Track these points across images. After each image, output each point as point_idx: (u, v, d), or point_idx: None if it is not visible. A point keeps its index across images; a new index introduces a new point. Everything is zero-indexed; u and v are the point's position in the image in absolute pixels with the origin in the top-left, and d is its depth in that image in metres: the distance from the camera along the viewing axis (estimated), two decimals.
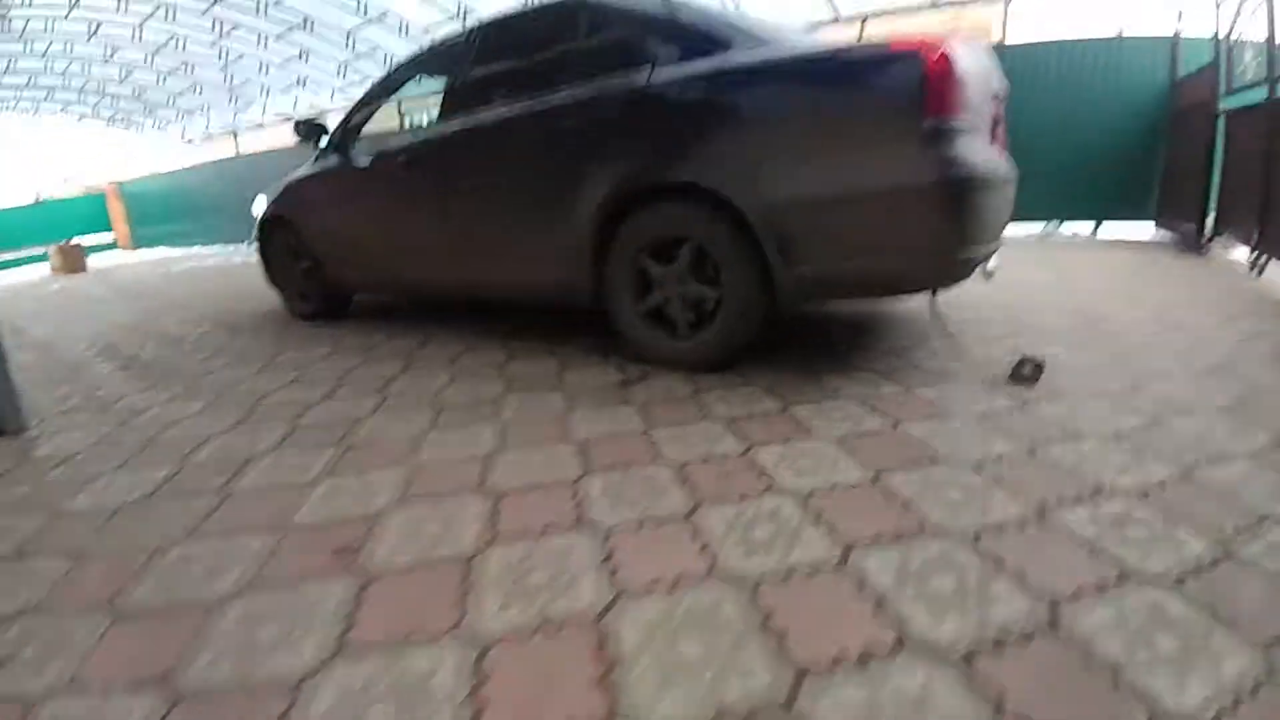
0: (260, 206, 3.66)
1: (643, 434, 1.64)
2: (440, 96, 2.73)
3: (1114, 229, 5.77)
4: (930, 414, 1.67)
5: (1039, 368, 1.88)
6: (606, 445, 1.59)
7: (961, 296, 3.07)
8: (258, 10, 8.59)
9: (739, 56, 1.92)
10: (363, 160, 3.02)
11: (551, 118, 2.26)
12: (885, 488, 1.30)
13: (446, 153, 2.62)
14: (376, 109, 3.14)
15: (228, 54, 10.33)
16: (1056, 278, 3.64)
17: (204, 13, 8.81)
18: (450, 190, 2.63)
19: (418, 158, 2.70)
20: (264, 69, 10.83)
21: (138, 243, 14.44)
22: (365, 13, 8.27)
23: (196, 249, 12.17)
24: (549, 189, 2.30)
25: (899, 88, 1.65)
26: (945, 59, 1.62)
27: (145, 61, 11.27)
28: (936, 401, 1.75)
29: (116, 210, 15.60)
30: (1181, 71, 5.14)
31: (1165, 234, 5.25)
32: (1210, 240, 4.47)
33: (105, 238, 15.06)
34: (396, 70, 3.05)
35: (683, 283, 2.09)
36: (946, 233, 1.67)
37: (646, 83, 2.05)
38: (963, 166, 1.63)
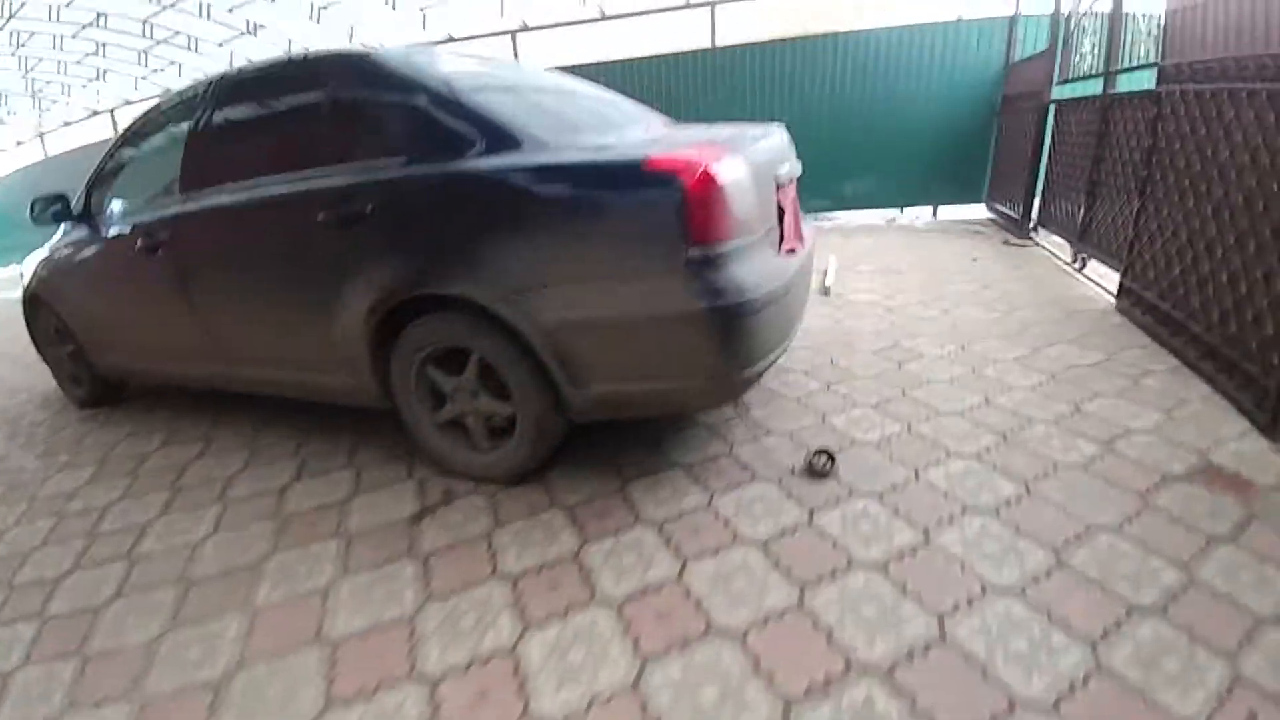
0: (30, 266, 3.01)
1: (410, 620, 1.46)
2: (181, 162, 2.25)
3: (953, 211, 6.11)
4: (720, 544, 1.60)
5: (831, 460, 1.87)
6: (363, 648, 1.39)
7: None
8: (50, 16, 7.40)
9: (517, 158, 1.65)
10: (109, 232, 2.50)
11: (304, 205, 1.89)
12: (644, 690, 1.21)
13: (189, 234, 2.19)
14: (120, 169, 2.58)
15: (26, 61, 9.00)
16: (883, 290, 3.76)
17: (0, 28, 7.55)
18: (200, 279, 2.22)
19: (158, 237, 2.25)
20: (62, 69, 9.48)
21: None
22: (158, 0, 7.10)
23: (11, 268, 10.25)
24: (307, 290, 1.97)
25: (659, 213, 1.48)
26: (706, 182, 1.46)
27: None
28: (730, 520, 1.69)
29: None
30: (1019, 54, 5.31)
31: (996, 216, 5.61)
32: (1035, 228, 4.80)
33: None
34: (135, 125, 2.50)
35: (474, 396, 1.88)
36: (722, 359, 1.56)
37: (415, 176, 1.75)
38: (734, 294, 1.51)
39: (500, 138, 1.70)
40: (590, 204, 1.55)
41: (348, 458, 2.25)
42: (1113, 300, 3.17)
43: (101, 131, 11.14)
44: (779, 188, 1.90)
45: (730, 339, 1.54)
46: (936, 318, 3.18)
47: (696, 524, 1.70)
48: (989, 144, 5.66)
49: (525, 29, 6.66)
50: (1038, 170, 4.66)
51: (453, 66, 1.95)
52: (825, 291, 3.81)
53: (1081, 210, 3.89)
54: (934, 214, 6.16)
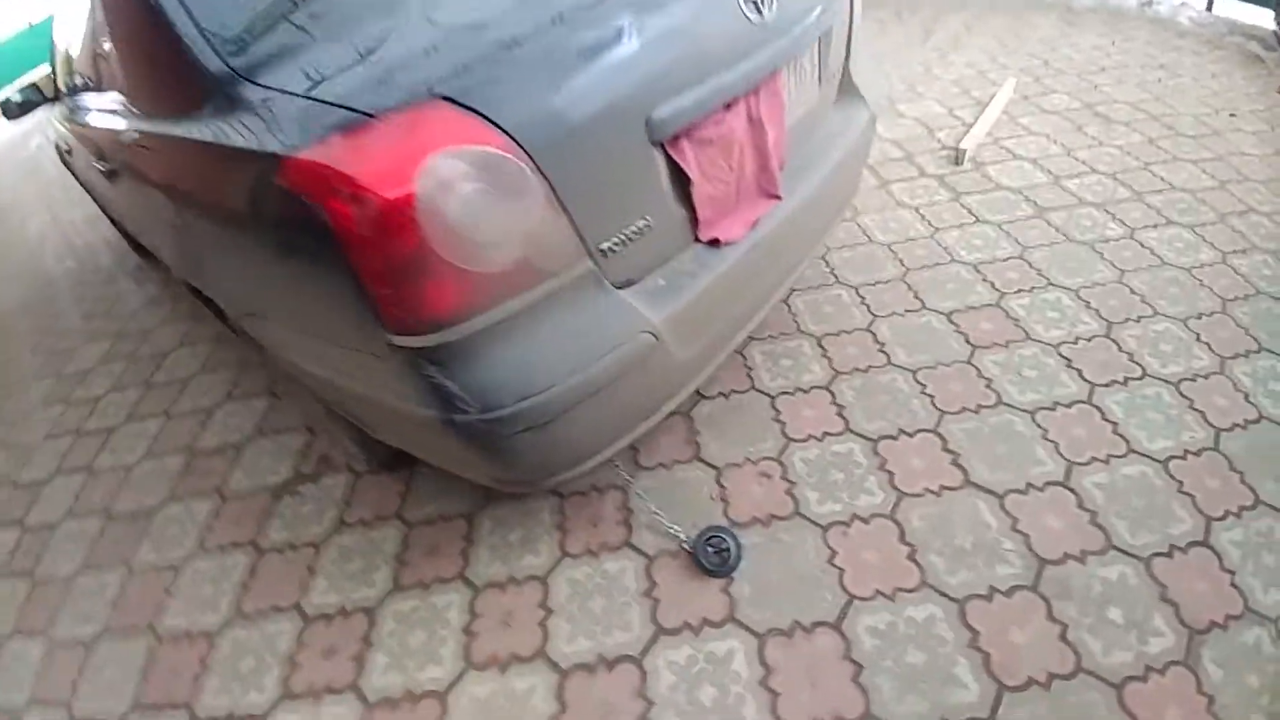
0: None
1: (212, 639, 1.40)
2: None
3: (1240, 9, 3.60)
4: (520, 652, 1.25)
5: (729, 548, 1.31)
6: (172, 651, 1.39)
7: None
8: None
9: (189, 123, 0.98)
10: (77, 118, 2.29)
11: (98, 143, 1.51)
12: None
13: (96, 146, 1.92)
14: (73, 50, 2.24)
15: None
16: (1057, 164, 2.43)
17: None
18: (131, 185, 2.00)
19: (86, 140, 2.01)
20: None
21: None
22: None
23: None
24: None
25: (326, 265, 0.81)
26: (389, 223, 0.72)
27: None
28: (555, 613, 1.30)
29: None
30: None
31: None
32: None
33: None
34: None
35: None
36: (502, 473, 1.01)
37: (131, 132, 1.24)
38: (480, 405, 0.88)
39: (218, 76, 0.93)
40: (240, 213, 0.92)
41: (271, 381, 2.15)
42: None
43: None
44: (687, 130, 1.00)
45: (501, 458, 0.97)
46: (1106, 245, 1.98)
47: (515, 607, 1.34)
48: None
49: None
50: None
51: None
52: (957, 159, 2.55)
53: None
54: (1209, 5, 3.73)
